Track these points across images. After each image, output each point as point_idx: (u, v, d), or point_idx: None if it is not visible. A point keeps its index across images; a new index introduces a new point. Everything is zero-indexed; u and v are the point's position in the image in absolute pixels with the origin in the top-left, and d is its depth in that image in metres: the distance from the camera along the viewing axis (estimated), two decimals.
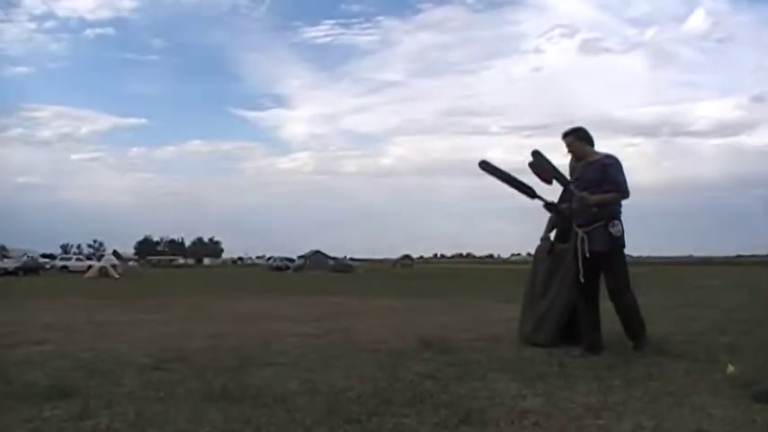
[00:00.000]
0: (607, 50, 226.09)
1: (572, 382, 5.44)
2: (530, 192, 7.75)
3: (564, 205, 7.55)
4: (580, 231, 7.06)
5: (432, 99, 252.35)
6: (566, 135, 7.26)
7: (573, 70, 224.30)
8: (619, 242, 6.98)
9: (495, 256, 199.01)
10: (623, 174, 7.02)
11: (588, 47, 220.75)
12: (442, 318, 11.61)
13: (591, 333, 7.08)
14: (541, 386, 5.30)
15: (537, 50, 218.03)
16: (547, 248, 8.01)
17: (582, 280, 7.02)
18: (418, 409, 4.47)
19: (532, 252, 8.59)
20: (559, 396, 4.94)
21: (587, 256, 6.94)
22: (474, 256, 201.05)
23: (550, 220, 8.13)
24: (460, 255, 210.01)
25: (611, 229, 6.92)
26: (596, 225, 6.96)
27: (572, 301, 7.55)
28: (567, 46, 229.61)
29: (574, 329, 7.53)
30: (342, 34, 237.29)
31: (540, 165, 7.65)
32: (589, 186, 7.01)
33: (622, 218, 7.05)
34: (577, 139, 7.22)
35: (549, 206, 7.71)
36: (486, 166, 7.81)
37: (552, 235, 8.12)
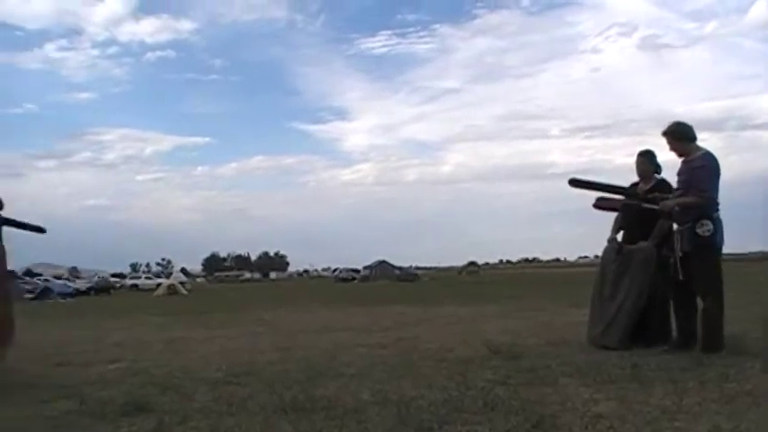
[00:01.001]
0: (667, 46, 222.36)
1: (645, 385, 5.35)
2: (626, 191, 7.73)
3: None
4: (675, 230, 7.05)
5: (490, 104, 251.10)
6: (663, 134, 7.23)
7: (632, 68, 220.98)
8: (706, 243, 6.84)
9: (562, 259, 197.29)
10: (711, 177, 6.90)
11: (647, 44, 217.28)
12: (509, 324, 11.52)
13: (683, 331, 7.01)
14: (614, 390, 5.22)
15: (595, 50, 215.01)
16: (615, 250, 7.91)
17: (680, 278, 6.94)
18: (489, 417, 4.43)
19: (599, 254, 8.48)
20: (633, 399, 4.86)
21: (680, 255, 6.90)
22: (540, 261, 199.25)
23: (617, 220, 8.03)
24: (526, 260, 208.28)
25: (699, 230, 6.82)
26: (686, 225, 6.89)
27: (641, 303, 7.45)
28: (626, 44, 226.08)
29: (644, 331, 7.43)
30: (398, 44, 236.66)
31: (592, 187, 7.70)
32: (681, 187, 7.01)
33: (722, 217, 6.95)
34: (673, 138, 7.16)
35: (648, 201, 7.61)
36: (576, 183, 7.76)
37: (619, 236, 8.01)
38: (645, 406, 4.65)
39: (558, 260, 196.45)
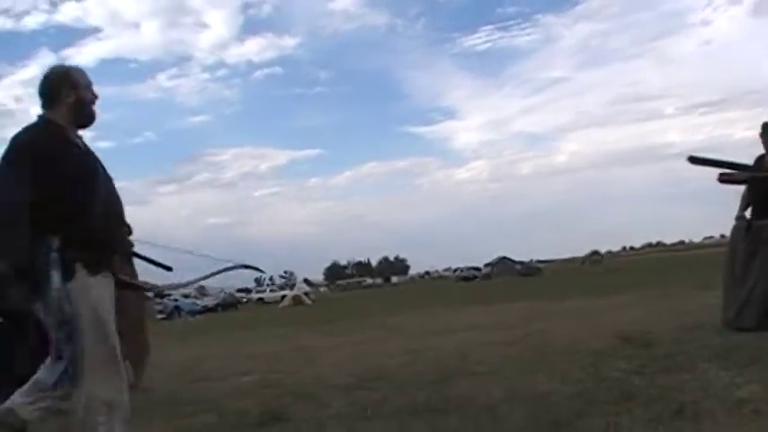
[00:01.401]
0: None
1: None
2: (749, 167, 7.51)
3: None
4: None
5: (600, 90, 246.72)
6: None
7: (746, 37, 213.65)
8: None
9: (687, 241, 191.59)
10: None
11: (760, 9, 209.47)
12: (638, 311, 11.28)
13: None
14: (755, 372, 5.04)
15: (704, 23, 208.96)
16: (744, 227, 7.64)
17: None
18: (628, 407, 4.33)
19: (726, 234, 8.23)
20: None
21: None
22: (664, 245, 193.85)
23: (743, 197, 7.76)
24: (650, 244, 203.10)
25: None
26: None
27: None
28: (737, 12, 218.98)
29: None
30: (501, 38, 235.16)
31: (712, 164, 7.47)
32: None
33: None
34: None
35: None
36: (695, 160, 7.57)
37: (748, 213, 7.74)
38: None
39: (682, 242, 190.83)
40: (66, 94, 3.89)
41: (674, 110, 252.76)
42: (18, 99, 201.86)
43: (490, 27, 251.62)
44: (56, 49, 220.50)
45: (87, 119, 4.03)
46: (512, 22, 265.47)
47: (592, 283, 27.96)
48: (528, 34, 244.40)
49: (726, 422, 3.83)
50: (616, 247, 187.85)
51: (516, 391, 5.28)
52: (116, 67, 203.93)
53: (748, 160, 7.75)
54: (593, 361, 6.30)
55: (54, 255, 3.58)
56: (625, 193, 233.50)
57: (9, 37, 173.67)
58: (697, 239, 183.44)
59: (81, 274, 3.65)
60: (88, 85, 4.03)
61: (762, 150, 7.67)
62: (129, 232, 7.88)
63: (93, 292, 3.71)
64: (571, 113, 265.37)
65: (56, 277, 3.57)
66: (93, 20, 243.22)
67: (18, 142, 3.70)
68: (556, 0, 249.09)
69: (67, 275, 3.61)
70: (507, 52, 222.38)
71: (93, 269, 3.74)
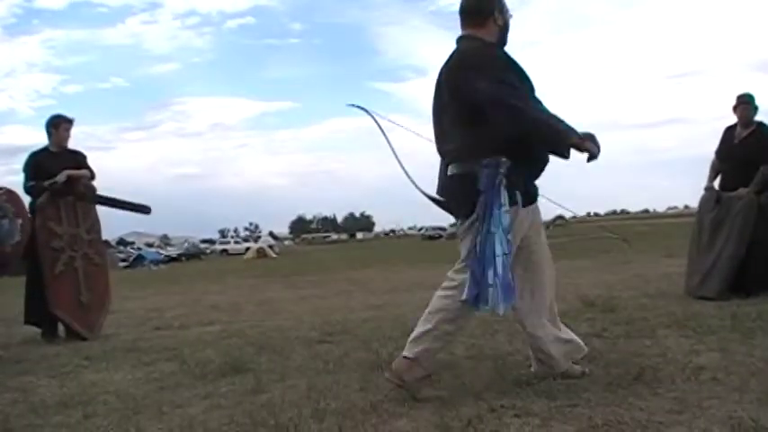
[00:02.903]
0: None
1: (747, 336, 5.22)
2: None
3: None
4: None
5: (573, 54, 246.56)
6: None
7: (720, 12, 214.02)
8: None
9: (651, 210, 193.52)
10: None
11: None
12: (602, 276, 11.39)
13: None
14: (715, 341, 5.11)
15: None
16: (712, 199, 7.70)
17: None
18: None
19: (690, 205, 8.31)
20: (736, 350, 4.74)
21: None
22: (628, 213, 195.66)
23: (712, 167, 7.81)
24: (614, 212, 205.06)
25: None
26: None
27: (741, 252, 7.26)
28: None
29: (743, 281, 7.25)
30: None
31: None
32: None
33: None
34: None
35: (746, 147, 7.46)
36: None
37: (716, 184, 7.80)
38: (748, 357, 4.53)
39: (647, 211, 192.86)
40: (496, 18, 4.19)
41: (647, 79, 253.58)
42: None
43: None
44: None
45: (505, 44, 4.31)
46: None
47: (557, 246, 28.11)
48: None
49: (684, 388, 3.87)
50: (581, 213, 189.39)
51: (478, 350, 5.33)
52: (86, 10, 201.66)
53: (717, 133, 7.82)
54: None
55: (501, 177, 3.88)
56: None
57: None
58: (661, 209, 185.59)
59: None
60: (509, 11, 4.30)
61: (734, 121, 7.71)
62: (92, 177, 7.82)
63: (525, 225, 4.13)
64: (544, 77, 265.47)
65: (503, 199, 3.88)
66: None
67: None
68: None
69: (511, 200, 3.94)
70: None
71: (528, 201, 4.11)
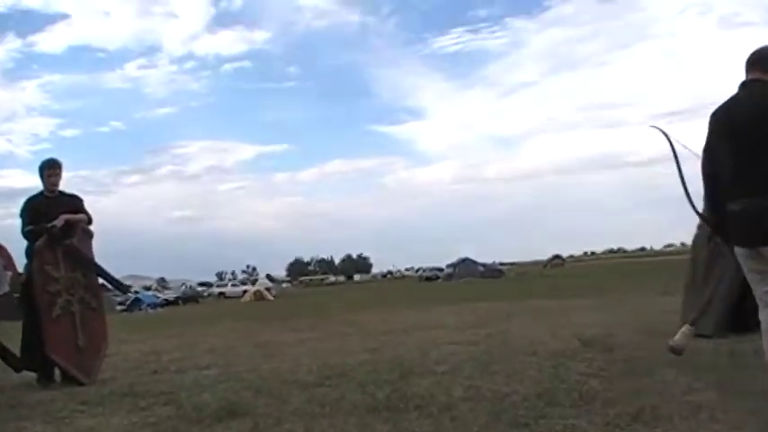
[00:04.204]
0: (748, 24, 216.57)
1: (745, 373, 5.21)
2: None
3: None
4: None
5: (568, 95, 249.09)
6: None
7: (711, 49, 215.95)
8: None
9: (648, 248, 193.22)
10: None
11: (726, 22, 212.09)
12: (599, 315, 11.36)
13: None
14: (713, 378, 5.12)
15: (671, 33, 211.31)
16: (706, 236, 7.71)
17: None
18: (587, 409, 4.37)
19: (686, 242, 8.33)
20: (734, 388, 4.75)
21: None
22: (626, 251, 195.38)
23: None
24: (611, 250, 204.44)
25: None
26: None
27: (736, 289, 7.26)
28: (704, 24, 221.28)
29: (740, 317, 7.24)
30: (471, 40, 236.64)
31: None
32: None
33: None
34: None
35: None
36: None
37: None
38: (746, 394, 4.53)
39: (643, 249, 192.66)
40: None
41: (640, 118, 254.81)
42: None
43: (461, 29, 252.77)
44: (23, 34, 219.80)
45: None
46: (483, 25, 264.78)
47: (554, 286, 28.14)
48: (499, 37, 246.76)
49: (682, 427, 3.87)
50: (578, 252, 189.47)
51: (476, 391, 5.29)
52: (84, 54, 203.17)
53: None
54: (553, 363, 6.35)
55: None
56: (589, 199, 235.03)
57: None
58: (657, 247, 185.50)
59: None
60: None
61: None
62: (89, 221, 7.83)
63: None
64: (539, 118, 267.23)
65: None
66: (61, 5, 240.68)
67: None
68: (526, 4, 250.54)
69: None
70: (478, 55, 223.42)
71: None
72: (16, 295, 7.80)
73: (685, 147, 5.18)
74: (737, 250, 4.74)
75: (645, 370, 5.65)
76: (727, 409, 4.16)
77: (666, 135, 5.31)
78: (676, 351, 7.24)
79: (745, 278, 7.15)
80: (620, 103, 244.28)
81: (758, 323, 7.02)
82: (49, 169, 7.68)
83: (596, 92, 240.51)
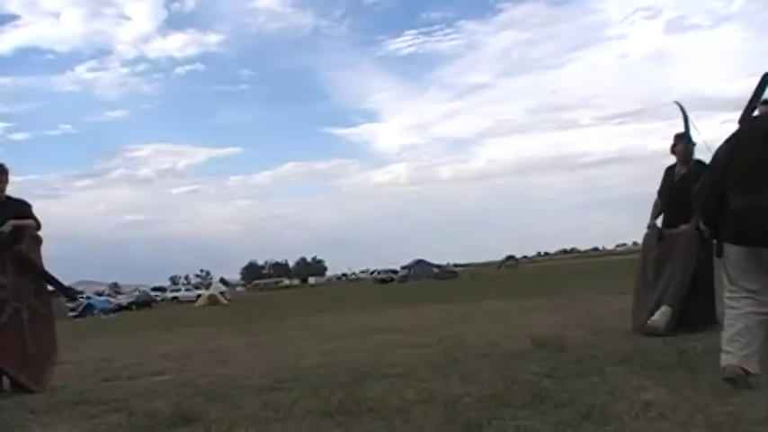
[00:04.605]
0: (695, 27, 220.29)
1: (694, 370, 5.30)
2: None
3: None
4: None
5: (520, 97, 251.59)
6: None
7: (660, 52, 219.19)
8: None
9: (601, 248, 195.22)
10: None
11: (674, 26, 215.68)
12: (552, 316, 11.46)
13: None
14: (662, 376, 5.18)
15: (621, 36, 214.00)
16: (656, 236, 7.84)
17: None
18: (539, 409, 4.39)
19: (638, 241, 8.43)
20: (682, 385, 4.82)
21: None
22: (579, 251, 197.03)
23: (655, 205, 7.97)
24: (564, 251, 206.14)
25: None
26: None
27: (685, 288, 7.38)
28: (652, 28, 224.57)
29: (688, 316, 7.36)
30: (425, 42, 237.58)
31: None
32: None
33: None
34: None
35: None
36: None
37: (659, 221, 7.94)
38: (694, 392, 4.60)
39: (596, 249, 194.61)
40: None
41: (591, 119, 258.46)
42: None
43: (414, 32, 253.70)
44: None
45: None
46: (436, 27, 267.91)
47: (507, 287, 28.32)
48: (452, 40, 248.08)
49: (632, 425, 3.91)
50: (531, 253, 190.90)
51: (430, 394, 5.29)
52: (34, 56, 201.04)
53: (659, 171, 7.97)
54: (507, 364, 6.38)
55: None
56: (541, 200, 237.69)
57: None
58: (610, 246, 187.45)
59: None
60: None
61: (673, 161, 7.87)
62: (38, 226, 7.72)
63: None
64: (492, 120, 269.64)
65: None
66: (11, 6, 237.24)
67: None
68: (479, 8, 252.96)
69: None
70: (431, 57, 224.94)
71: None
72: None
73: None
74: (731, 247, 4.80)
75: (596, 369, 5.69)
76: (677, 406, 4.21)
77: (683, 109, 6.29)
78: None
79: (695, 277, 7.30)
80: (571, 105, 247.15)
81: (708, 321, 7.19)
82: None
83: (549, 94, 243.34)
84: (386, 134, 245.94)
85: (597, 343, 7.31)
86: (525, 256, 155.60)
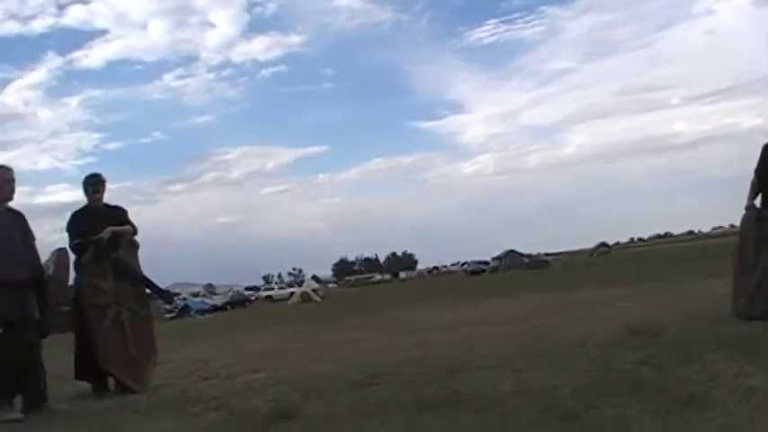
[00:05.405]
0: None
1: None
2: None
3: None
4: None
5: (606, 81, 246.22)
6: None
7: (750, 26, 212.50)
8: None
9: (696, 231, 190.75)
10: None
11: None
12: (647, 302, 11.25)
13: None
14: (764, 362, 5.03)
15: (708, 12, 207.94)
16: (754, 217, 7.61)
17: None
18: (637, 398, 4.33)
19: (735, 223, 8.20)
20: None
21: None
22: (673, 235, 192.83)
23: (752, 186, 7.72)
24: (658, 236, 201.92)
25: None
26: None
27: None
28: (740, 1, 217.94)
29: None
30: (506, 31, 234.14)
31: None
32: None
33: None
34: None
35: None
36: None
37: (757, 202, 7.71)
38: None
39: (691, 233, 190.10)
40: None
41: (680, 99, 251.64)
42: (27, 102, 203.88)
43: (495, 20, 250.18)
44: (63, 52, 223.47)
45: None
46: (516, 15, 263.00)
47: (601, 274, 27.90)
48: (534, 26, 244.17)
49: (735, 412, 3.82)
50: (624, 239, 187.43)
51: (525, 385, 5.27)
52: (123, 68, 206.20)
53: (755, 149, 7.73)
54: (602, 353, 6.29)
55: None
56: (633, 185, 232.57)
57: (17, 41, 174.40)
58: (706, 230, 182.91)
59: None
60: None
61: None
62: (135, 232, 7.93)
63: None
64: (578, 105, 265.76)
65: None
66: (100, 22, 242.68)
67: None
68: None
69: None
70: (513, 45, 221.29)
71: None
72: (66, 308, 7.90)
73: None
74: None
75: (695, 356, 5.57)
76: None
77: None
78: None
79: None
80: (659, 85, 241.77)
81: None
82: (93, 185, 7.79)
83: (635, 75, 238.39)
84: (471, 125, 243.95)
85: (695, 329, 7.16)
86: (618, 243, 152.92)
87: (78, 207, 7.87)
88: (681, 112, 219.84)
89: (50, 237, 8.10)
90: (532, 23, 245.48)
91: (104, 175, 7.89)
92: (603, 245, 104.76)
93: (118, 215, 7.83)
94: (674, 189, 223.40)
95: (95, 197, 7.76)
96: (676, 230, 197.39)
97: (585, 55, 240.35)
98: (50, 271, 7.05)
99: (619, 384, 4.80)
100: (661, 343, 6.42)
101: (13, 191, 6.87)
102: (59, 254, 7.28)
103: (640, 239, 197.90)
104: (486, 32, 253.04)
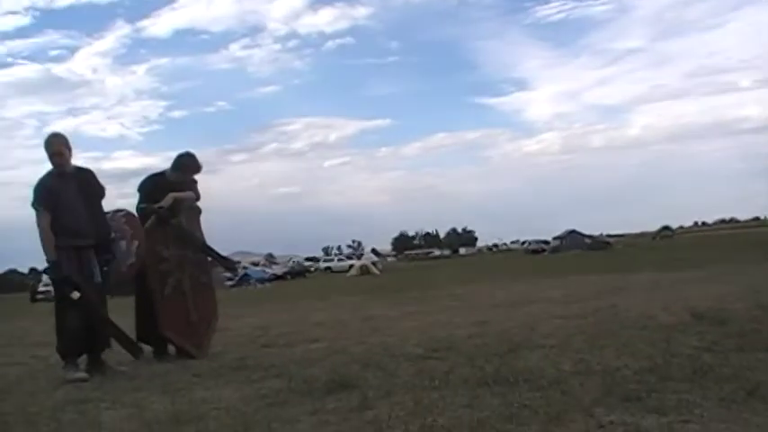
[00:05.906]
0: None
1: None
2: None
3: None
4: None
5: (675, 61, 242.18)
6: None
7: None
8: None
9: (762, 218, 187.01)
10: None
11: None
12: (711, 288, 11.08)
13: None
14: None
15: None
16: None
17: None
18: (701, 384, 4.26)
19: None
20: None
21: None
22: (738, 221, 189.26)
23: None
24: (723, 221, 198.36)
25: None
26: None
27: None
28: None
29: None
30: (575, 8, 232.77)
31: None
32: None
33: None
34: None
35: None
36: None
37: None
38: None
39: (757, 219, 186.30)
40: None
41: (751, 82, 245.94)
42: (95, 70, 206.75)
43: None
44: (131, 20, 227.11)
45: None
46: None
47: (663, 257, 27.56)
48: (603, 4, 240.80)
49: None
50: (688, 223, 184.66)
51: (585, 365, 5.23)
52: (189, 37, 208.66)
53: None
54: (665, 336, 6.21)
55: None
56: (699, 168, 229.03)
57: (86, 9, 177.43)
58: None
59: None
60: None
61: None
62: (197, 198, 8.01)
63: None
64: (646, 85, 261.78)
65: None
66: None
67: None
68: None
69: None
70: (581, 22, 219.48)
71: None
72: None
73: None
74: None
75: (761, 344, 5.46)
76: None
77: None
78: None
79: None
80: (731, 67, 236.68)
81: None
82: (184, 168, 7.87)
83: (706, 56, 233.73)
84: (536, 103, 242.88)
85: (760, 316, 7.02)
86: (681, 227, 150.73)
87: (152, 172, 7.99)
88: (751, 95, 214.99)
89: (116, 202, 8.19)
90: (601, 0, 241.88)
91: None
92: (666, 228, 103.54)
93: (190, 187, 7.89)
94: (742, 174, 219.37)
95: (180, 178, 7.82)
96: (742, 216, 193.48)
97: (655, 34, 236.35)
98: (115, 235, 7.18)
99: (681, 369, 4.73)
100: (725, 330, 6.30)
101: (65, 160, 6.94)
102: (127, 217, 7.41)
103: (704, 224, 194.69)
104: (554, 9, 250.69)
